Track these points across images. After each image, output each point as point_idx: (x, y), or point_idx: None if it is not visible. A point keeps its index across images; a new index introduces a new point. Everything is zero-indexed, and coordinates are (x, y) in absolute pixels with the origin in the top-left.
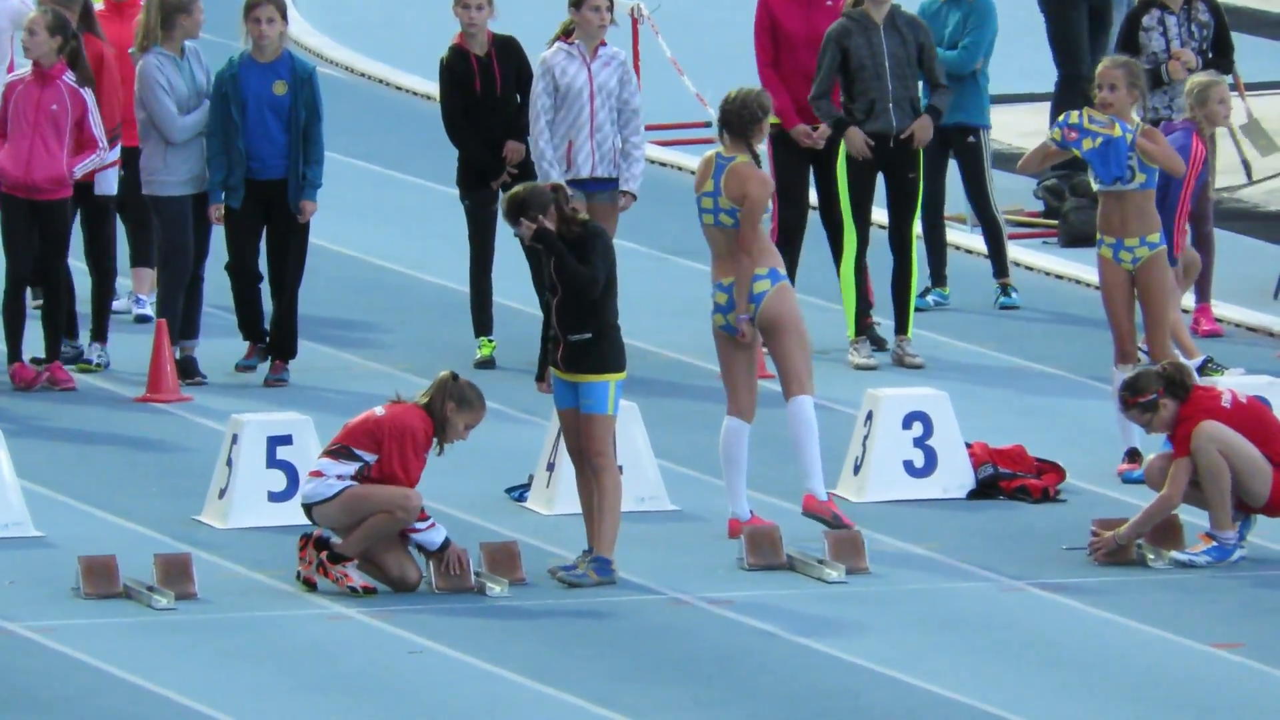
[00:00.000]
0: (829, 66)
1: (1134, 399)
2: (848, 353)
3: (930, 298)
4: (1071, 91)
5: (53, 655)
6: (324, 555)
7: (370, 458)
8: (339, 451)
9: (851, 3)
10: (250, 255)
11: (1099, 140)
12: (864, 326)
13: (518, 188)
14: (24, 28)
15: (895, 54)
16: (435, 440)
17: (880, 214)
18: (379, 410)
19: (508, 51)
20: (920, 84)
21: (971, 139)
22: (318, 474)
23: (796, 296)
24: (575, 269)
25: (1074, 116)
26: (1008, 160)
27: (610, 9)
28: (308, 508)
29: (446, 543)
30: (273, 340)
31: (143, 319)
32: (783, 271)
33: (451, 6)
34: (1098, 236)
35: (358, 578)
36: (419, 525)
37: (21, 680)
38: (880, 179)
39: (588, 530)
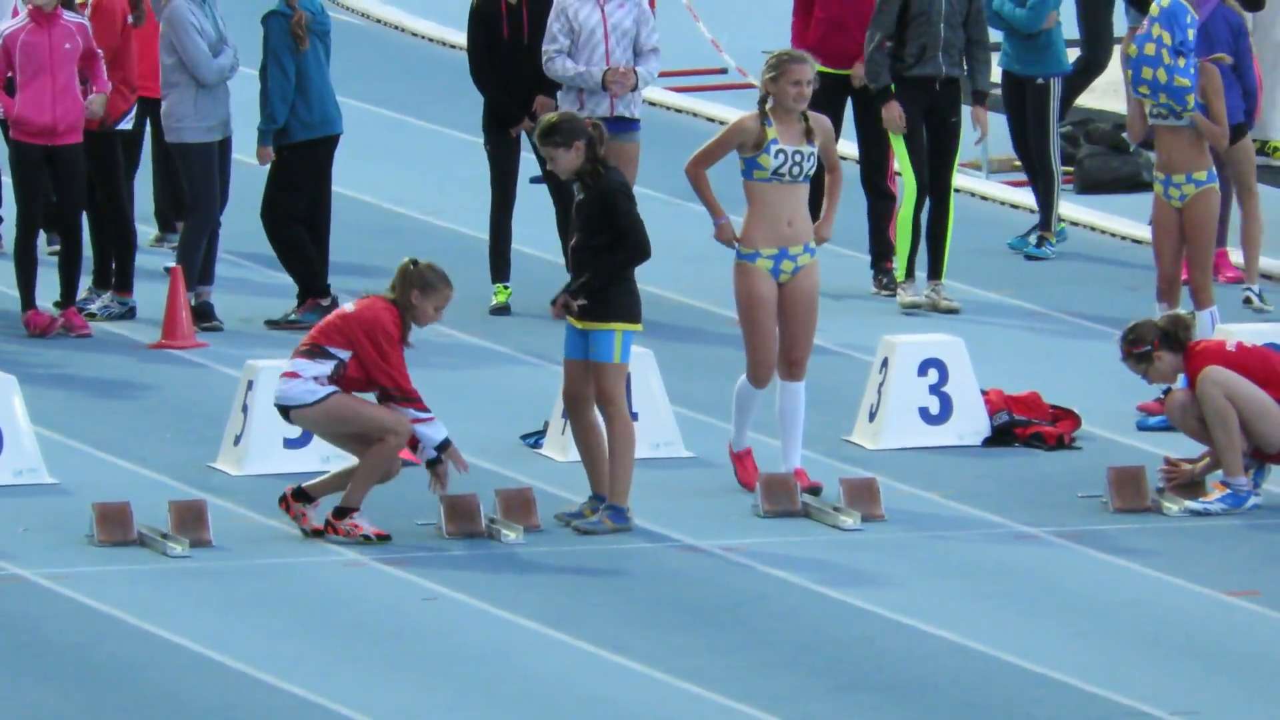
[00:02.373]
0: (889, 12)
1: (1130, 349)
2: (896, 293)
3: (1046, 247)
4: (1088, 75)
5: (67, 602)
6: (330, 514)
7: (344, 354)
8: (312, 350)
9: None
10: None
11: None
12: (883, 270)
13: (554, 115)
14: None
15: (952, 4)
16: (403, 328)
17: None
18: (349, 306)
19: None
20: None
21: (1040, 81)
22: (293, 375)
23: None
24: (627, 255)
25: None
26: None
27: None
28: (284, 409)
29: (446, 443)
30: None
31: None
32: (743, 251)
33: None
34: (1155, 174)
35: (367, 525)
36: (420, 416)
37: (36, 627)
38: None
39: (589, 477)
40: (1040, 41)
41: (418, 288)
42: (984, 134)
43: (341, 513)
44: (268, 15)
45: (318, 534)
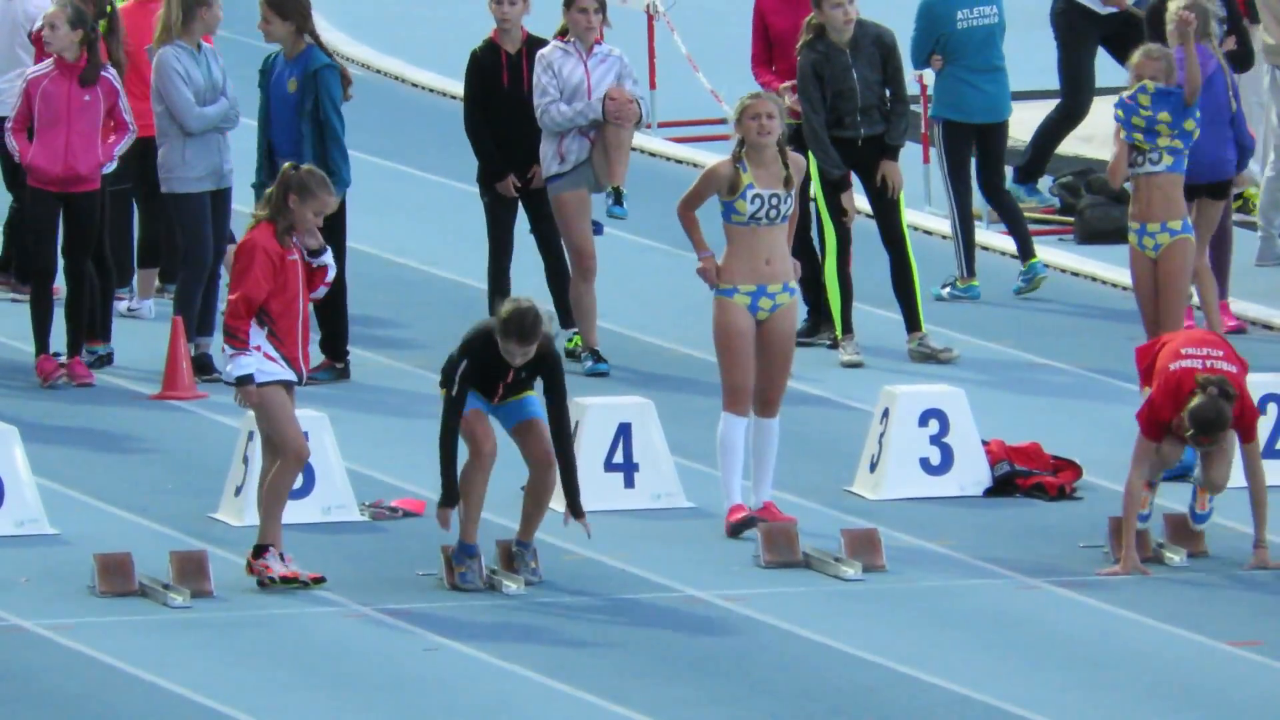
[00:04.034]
0: (818, 100)
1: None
2: (840, 351)
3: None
4: (1068, 122)
5: (68, 653)
6: (249, 551)
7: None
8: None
9: (809, 29)
10: None
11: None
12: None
13: (527, 314)
14: (45, 22)
15: (864, 76)
16: (275, 233)
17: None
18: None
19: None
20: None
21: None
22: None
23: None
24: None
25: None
26: (1018, 156)
27: (599, 11)
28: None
29: (246, 379)
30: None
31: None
32: (722, 286)
33: (487, 2)
34: (1129, 224)
35: (278, 565)
36: (232, 352)
37: (37, 678)
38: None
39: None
40: (1000, 84)
41: (295, 192)
42: (895, 189)
43: (258, 550)
44: (321, 68)
45: (316, 581)
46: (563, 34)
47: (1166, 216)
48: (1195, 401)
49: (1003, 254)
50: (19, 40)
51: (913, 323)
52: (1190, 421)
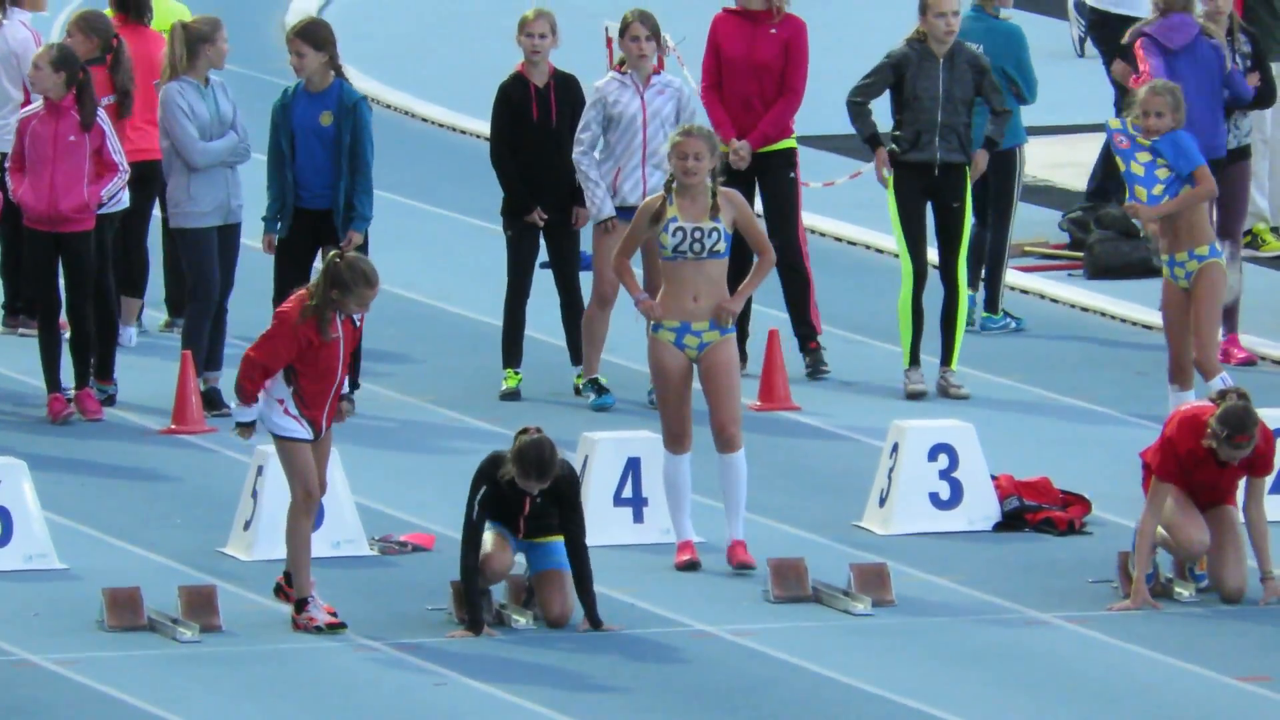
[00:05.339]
0: (878, 82)
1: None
2: (902, 381)
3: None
4: (1101, 199)
5: (77, 688)
6: (292, 610)
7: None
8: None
9: (916, 33)
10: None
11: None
12: (808, 350)
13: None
14: (31, 63)
15: (950, 91)
16: (318, 324)
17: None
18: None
19: (567, 88)
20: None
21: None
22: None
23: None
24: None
25: (1123, 123)
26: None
27: (651, 38)
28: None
29: (243, 425)
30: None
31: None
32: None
33: (515, 35)
34: (1160, 256)
35: (321, 615)
36: (232, 410)
37: (46, 713)
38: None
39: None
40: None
41: (336, 286)
42: (976, 171)
43: (299, 605)
44: (359, 101)
45: (335, 628)
46: (621, 64)
47: (1193, 244)
48: (1221, 408)
49: (1012, 289)
50: (8, 75)
51: (946, 357)
52: (1221, 424)
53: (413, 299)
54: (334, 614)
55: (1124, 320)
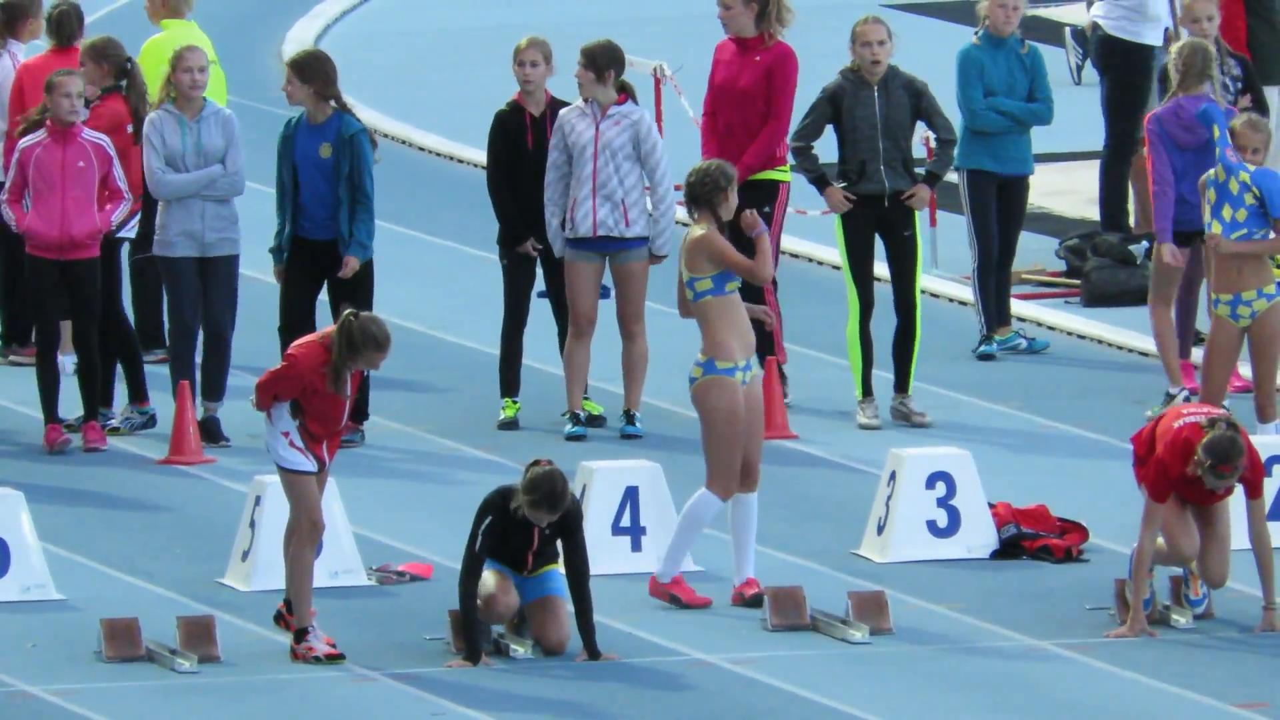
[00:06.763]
0: (816, 119)
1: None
2: (855, 413)
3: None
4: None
5: (75, 719)
6: (291, 639)
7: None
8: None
9: (851, 64)
10: (298, 315)
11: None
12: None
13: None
14: (61, 93)
15: (889, 116)
16: (334, 381)
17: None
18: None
19: None
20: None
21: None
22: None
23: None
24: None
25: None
26: (1030, 220)
27: (589, 68)
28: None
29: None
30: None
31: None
32: (721, 365)
33: (511, 65)
34: (1213, 296)
35: (320, 645)
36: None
37: None
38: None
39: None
40: (1026, 139)
41: (347, 349)
42: (920, 203)
43: (299, 635)
44: (356, 133)
45: (332, 659)
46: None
47: (1261, 283)
48: (1208, 437)
49: (1014, 317)
50: None
51: (902, 383)
52: (1206, 453)
53: (410, 328)
54: (333, 645)
55: (1121, 348)
